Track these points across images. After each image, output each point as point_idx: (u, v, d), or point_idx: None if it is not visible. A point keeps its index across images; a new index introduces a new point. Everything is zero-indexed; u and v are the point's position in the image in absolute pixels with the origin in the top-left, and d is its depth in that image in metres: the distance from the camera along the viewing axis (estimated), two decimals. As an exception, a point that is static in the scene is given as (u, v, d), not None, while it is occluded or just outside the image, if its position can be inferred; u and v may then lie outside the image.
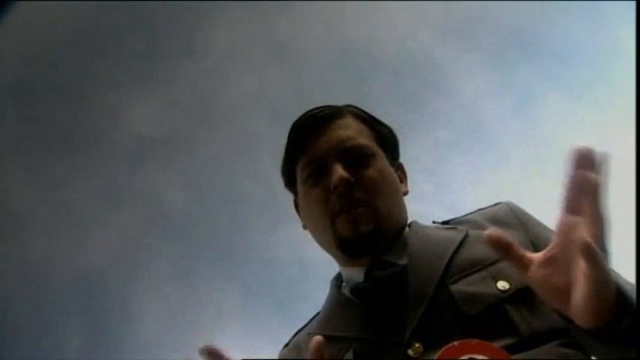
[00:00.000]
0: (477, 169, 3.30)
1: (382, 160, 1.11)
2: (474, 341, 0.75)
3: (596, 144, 0.72)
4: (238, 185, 3.49)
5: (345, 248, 1.04)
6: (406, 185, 1.17)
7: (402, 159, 1.20)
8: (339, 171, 1.03)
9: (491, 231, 0.76)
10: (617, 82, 2.87)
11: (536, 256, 0.75)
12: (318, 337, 0.74)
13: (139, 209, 3.58)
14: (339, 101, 1.18)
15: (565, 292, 0.71)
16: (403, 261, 1.00)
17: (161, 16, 3.66)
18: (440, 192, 3.10)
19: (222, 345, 0.78)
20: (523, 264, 0.75)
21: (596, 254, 0.66)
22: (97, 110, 3.63)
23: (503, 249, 0.76)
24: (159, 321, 3.30)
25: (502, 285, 0.89)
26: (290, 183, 1.18)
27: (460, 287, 0.90)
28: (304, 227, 1.16)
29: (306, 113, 1.14)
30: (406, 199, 1.14)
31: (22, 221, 3.43)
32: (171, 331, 3.19)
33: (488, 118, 3.48)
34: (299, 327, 1.14)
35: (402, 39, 3.62)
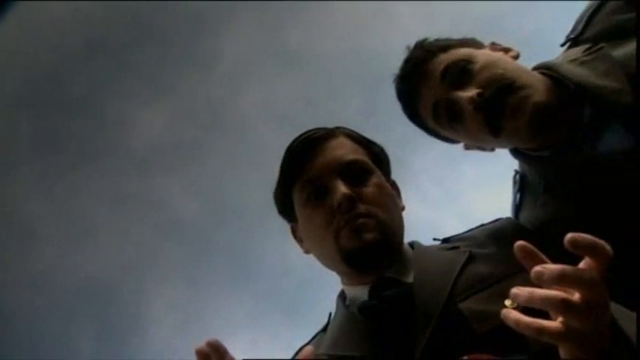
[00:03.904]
0: (485, 177, 3.29)
1: (380, 177, 1.10)
2: (485, 356, 0.76)
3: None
4: (249, 192, 3.51)
5: (350, 260, 1.01)
6: (401, 201, 1.16)
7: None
8: (342, 188, 1.02)
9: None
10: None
11: None
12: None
13: (150, 217, 3.61)
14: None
15: None
16: (407, 279, 0.99)
17: (171, 26, 3.69)
18: (449, 200, 3.10)
19: (233, 350, 0.78)
20: None
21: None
22: (108, 119, 3.66)
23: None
24: (170, 328, 3.31)
25: (510, 303, 0.86)
26: (285, 209, 1.16)
27: (469, 305, 0.89)
28: (307, 252, 1.14)
29: (299, 137, 1.12)
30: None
31: (35, 229, 3.46)
32: (182, 337, 3.20)
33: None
34: (310, 333, 1.14)
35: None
